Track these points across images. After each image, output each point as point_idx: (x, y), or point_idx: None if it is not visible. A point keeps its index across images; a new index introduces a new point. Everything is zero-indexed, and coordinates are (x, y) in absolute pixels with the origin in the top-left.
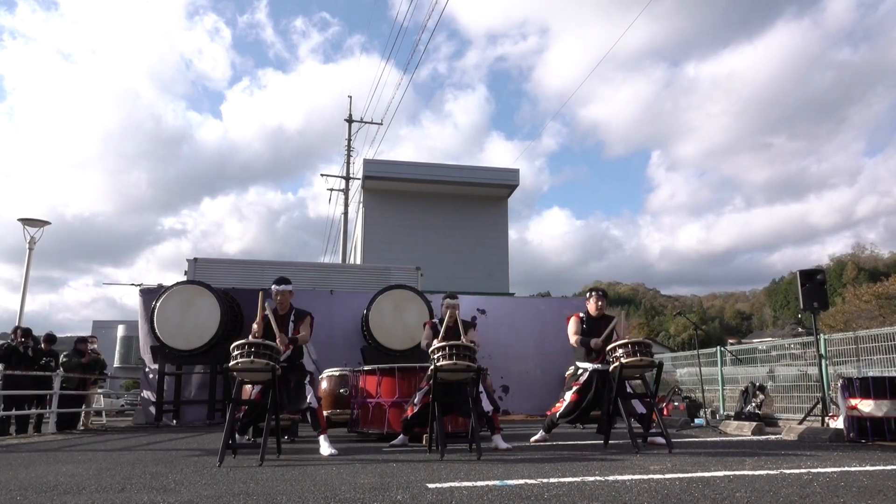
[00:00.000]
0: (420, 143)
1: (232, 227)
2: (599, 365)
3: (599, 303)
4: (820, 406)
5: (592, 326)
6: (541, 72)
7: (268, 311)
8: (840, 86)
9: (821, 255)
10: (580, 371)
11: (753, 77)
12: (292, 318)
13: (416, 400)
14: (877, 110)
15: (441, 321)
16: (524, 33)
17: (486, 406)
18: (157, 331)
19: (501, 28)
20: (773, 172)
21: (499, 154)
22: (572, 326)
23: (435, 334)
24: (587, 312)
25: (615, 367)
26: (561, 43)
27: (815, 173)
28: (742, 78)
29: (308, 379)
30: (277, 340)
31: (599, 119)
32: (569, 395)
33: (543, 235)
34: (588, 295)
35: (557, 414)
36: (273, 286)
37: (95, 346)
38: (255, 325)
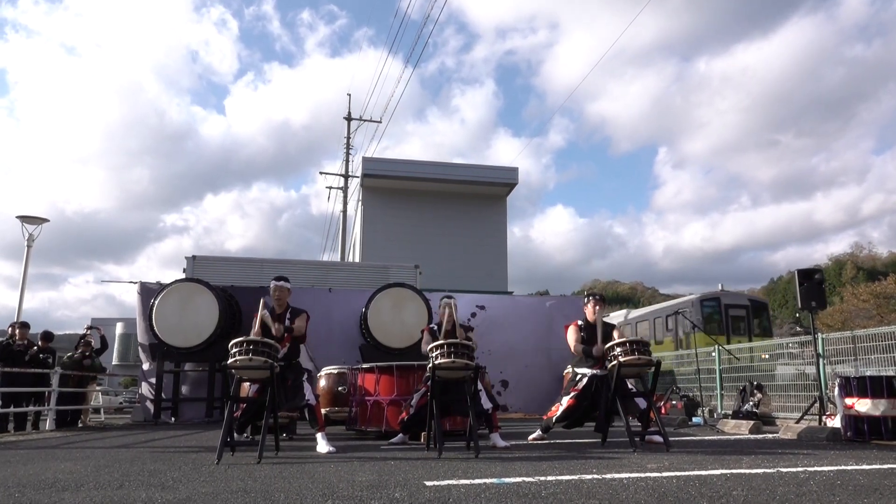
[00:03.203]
0: (427, 140)
1: (234, 224)
2: (599, 371)
3: (597, 307)
4: (817, 405)
5: (591, 333)
6: (550, 66)
7: (265, 311)
8: (851, 82)
9: (824, 254)
10: (579, 377)
11: (765, 73)
12: (288, 315)
13: (412, 402)
14: (886, 107)
15: (439, 325)
16: (534, 27)
17: (486, 404)
18: (155, 328)
19: (511, 22)
20: (780, 170)
21: (505, 151)
22: (572, 335)
23: (434, 339)
24: (585, 319)
25: (613, 366)
26: (570, 37)
27: (822, 171)
28: (753, 74)
29: (306, 376)
30: (273, 331)
31: (607, 114)
32: (566, 401)
33: (547, 233)
34: (585, 301)
35: (554, 418)
36: (272, 282)
37: (92, 341)
38: (253, 331)
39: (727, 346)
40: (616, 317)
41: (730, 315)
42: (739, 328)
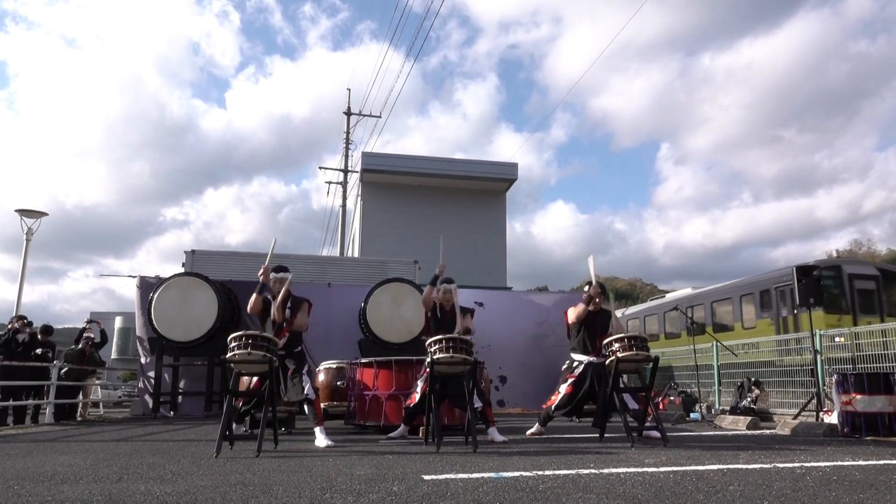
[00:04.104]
0: (428, 135)
1: (234, 219)
2: (595, 358)
3: (597, 298)
4: (815, 401)
5: (590, 319)
6: (552, 60)
7: (268, 295)
8: (855, 78)
9: (824, 250)
10: (575, 364)
11: (769, 69)
12: (289, 305)
13: (417, 388)
14: (890, 104)
15: (439, 307)
16: (537, 21)
17: (476, 402)
18: (154, 322)
19: (514, 16)
20: (782, 166)
21: (507, 146)
22: (572, 312)
23: (435, 321)
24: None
25: (611, 362)
26: (574, 32)
27: (824, 168)
28: (758, 69)
29: (306, 369)
30: (273, 313)
31: (610, 110)
32: (564, 388)
33: (548, 229)
34: (586, 289)
35: (553, 407)
36: (272, 273)
37: (91, 334)
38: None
39: (725, 343)
40: (673, 296)
41: (855, 288)
42: (868, 305)
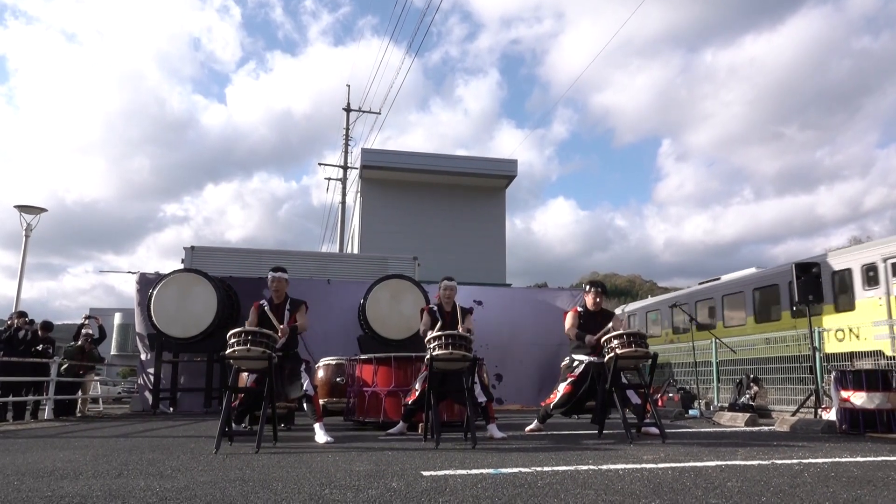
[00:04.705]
0: (430, 131)
1: (235, 215)
2: (595, 358)
3: (597, 299)
4: (813, 398)
5: (590, 321)
6: (554, 56)
7: (263, 303)
8: (857, 75)
9: (824, 247)
10: (575, 363)
11: (772, 65)
12: (288, 306)
13: (416, 385)
14: (893, 101)
15: (439, 307)
16: (539, 17)
17: (480, 397)
18: (153, 319)
19: (516, 11)
20: (783, 163)
21: (508, 142)
22: (570, 320)
23: (432, 320)
24: (585, 307)
25: (610, 358)
26: (576, 27)
27: (825, 164)
28: (760, 66)
29: (304, 367)
30: (279, 332)
31: (611, 106)
32: (563, 387)
33: (549, 225)
34: (587, 289)
35: (552, 405)
36: (269, 273)
37: (90, 330)
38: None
39: (724, 340)
40: (732, 277)
41: None
42: None
